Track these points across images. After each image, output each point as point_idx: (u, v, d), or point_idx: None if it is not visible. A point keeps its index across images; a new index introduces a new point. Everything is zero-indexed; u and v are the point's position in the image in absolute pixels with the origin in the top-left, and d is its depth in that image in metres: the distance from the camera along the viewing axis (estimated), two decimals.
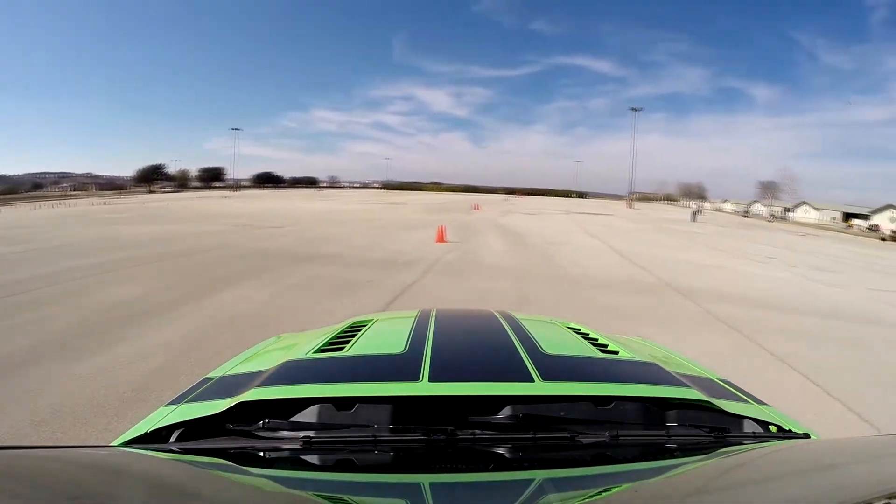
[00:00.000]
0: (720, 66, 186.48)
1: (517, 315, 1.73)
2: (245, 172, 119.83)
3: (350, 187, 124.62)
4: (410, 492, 0.82)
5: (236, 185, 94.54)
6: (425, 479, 0.86)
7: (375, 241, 13.38)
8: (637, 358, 1.30)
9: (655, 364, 1.27)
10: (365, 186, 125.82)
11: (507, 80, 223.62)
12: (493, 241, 14.45)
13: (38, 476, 0.72)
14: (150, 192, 72.25)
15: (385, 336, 1.51)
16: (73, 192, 64.23)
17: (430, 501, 0.76)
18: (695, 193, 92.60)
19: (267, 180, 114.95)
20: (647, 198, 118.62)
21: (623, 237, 18.49)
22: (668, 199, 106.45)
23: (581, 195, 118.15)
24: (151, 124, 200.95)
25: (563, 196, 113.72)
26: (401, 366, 1.12)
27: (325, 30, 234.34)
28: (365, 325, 1.57)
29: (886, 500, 0.57)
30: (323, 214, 24.00)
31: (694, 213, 39.74)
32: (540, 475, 0.88)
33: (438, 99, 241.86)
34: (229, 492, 0.78)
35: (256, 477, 0.81)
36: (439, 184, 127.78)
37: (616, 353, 1.33)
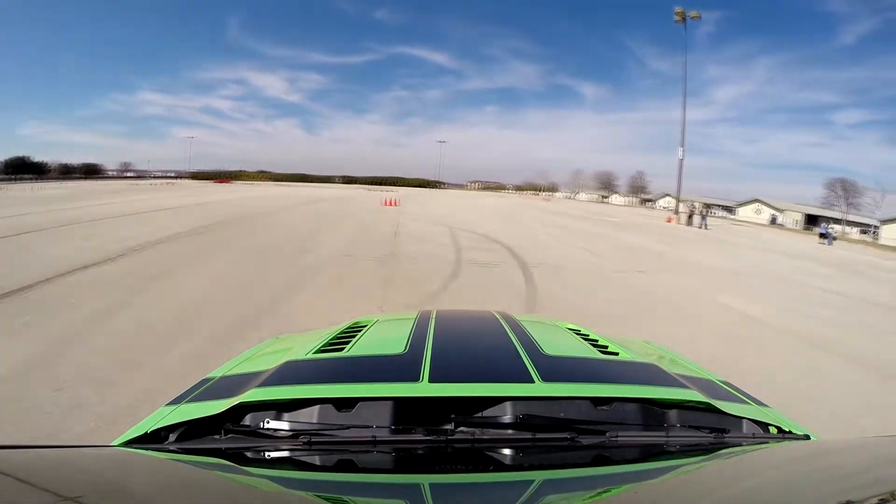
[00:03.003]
0: (554, 64, 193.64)
1: (517, 316, 1.71)
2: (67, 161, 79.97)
3: (146, 177, 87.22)
4: (410, 492, 0.81)
5: None
6: (425, 479, 0.85)
7: None
8: (637, 359, 1.30)
9: (655, 365, 1.26)
10: (178, 177, 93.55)
11: (344, 67, 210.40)
12: None
13: (39, 476, 0.71)
14: None
15: (385, 337, 1.48)
16: None
17: (430, 502, 0.75)
18: (607, 185, 79.31)
19: (19, 168, 68.31)
20: (494, 187, 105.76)
21: None
22: (536, 189, 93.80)
23: (436, 185, 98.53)
24: None
25: (420, 186, 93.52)
26: (401, 366, 1.10)
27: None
28: (365, 326, 1.56)
29: (886, 501, 0.57)
30: None
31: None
32: (540, 476, 0.88)
33: (272, 84, 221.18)
34: (229, 492, 0.77)
35: (256, 477, 0.81)
36: (267, 172, 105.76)
37: (616, 354, 1.32)
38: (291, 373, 1.09)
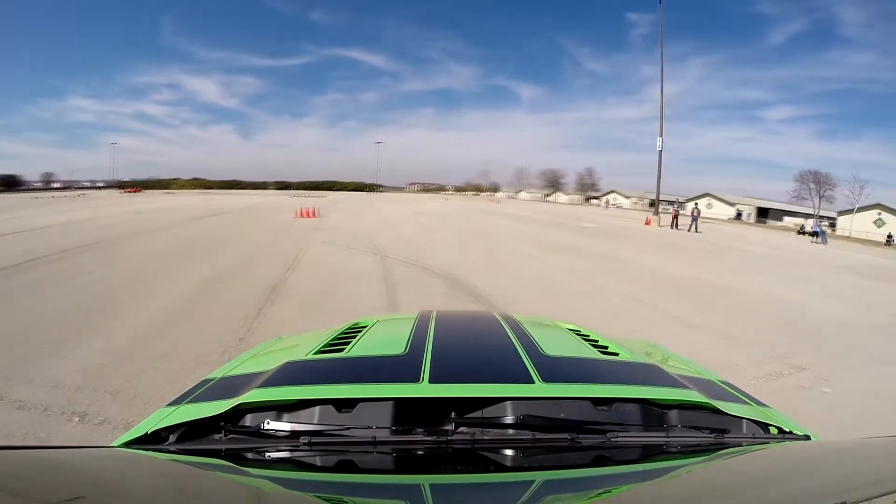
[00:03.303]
0: (491, 65, 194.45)
1: (517, 317, 1.70)
2: None
3: (72, 188, 78.15)
4: (410, 493, 0.80)
5: None
6: (425, 480, 0.84)
7: None
8: (637, 359, 1.29)
9: (655, 366, 1.25)
10: (107, 186, 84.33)
11: (279, 70, 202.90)
12: None
13: (38, 476, 0.71)
14: None
15: (385, 337, 1.47)
16: None
17: (431, 503, 0.75)
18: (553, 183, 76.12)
19: None
20: (434, 189, 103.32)
21: None
22: (477, 190, 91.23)
23: (374, 188, 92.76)
24: None
25: (357, 189, 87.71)
26: (401, 367, 1.10)
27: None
28: (365, 327, 1.55)
29: (887, 501, 0.58)
30: None
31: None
32: (540, 476, 0.88)
33: (207, 88, 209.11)
34: (229, 493, 0.77)
35: (256, 478, 0.80)
36: (201, 179, 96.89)
37: (616, 354, 1.31)
38: (292, 373, 1.08)
